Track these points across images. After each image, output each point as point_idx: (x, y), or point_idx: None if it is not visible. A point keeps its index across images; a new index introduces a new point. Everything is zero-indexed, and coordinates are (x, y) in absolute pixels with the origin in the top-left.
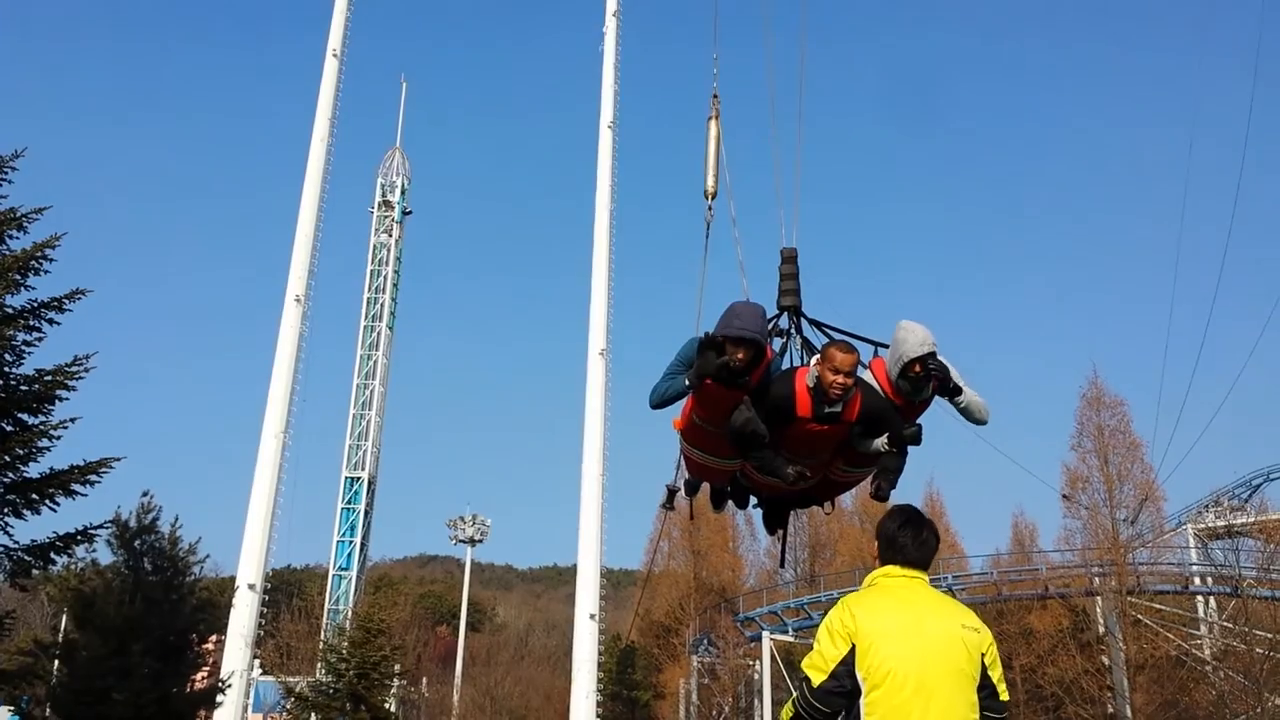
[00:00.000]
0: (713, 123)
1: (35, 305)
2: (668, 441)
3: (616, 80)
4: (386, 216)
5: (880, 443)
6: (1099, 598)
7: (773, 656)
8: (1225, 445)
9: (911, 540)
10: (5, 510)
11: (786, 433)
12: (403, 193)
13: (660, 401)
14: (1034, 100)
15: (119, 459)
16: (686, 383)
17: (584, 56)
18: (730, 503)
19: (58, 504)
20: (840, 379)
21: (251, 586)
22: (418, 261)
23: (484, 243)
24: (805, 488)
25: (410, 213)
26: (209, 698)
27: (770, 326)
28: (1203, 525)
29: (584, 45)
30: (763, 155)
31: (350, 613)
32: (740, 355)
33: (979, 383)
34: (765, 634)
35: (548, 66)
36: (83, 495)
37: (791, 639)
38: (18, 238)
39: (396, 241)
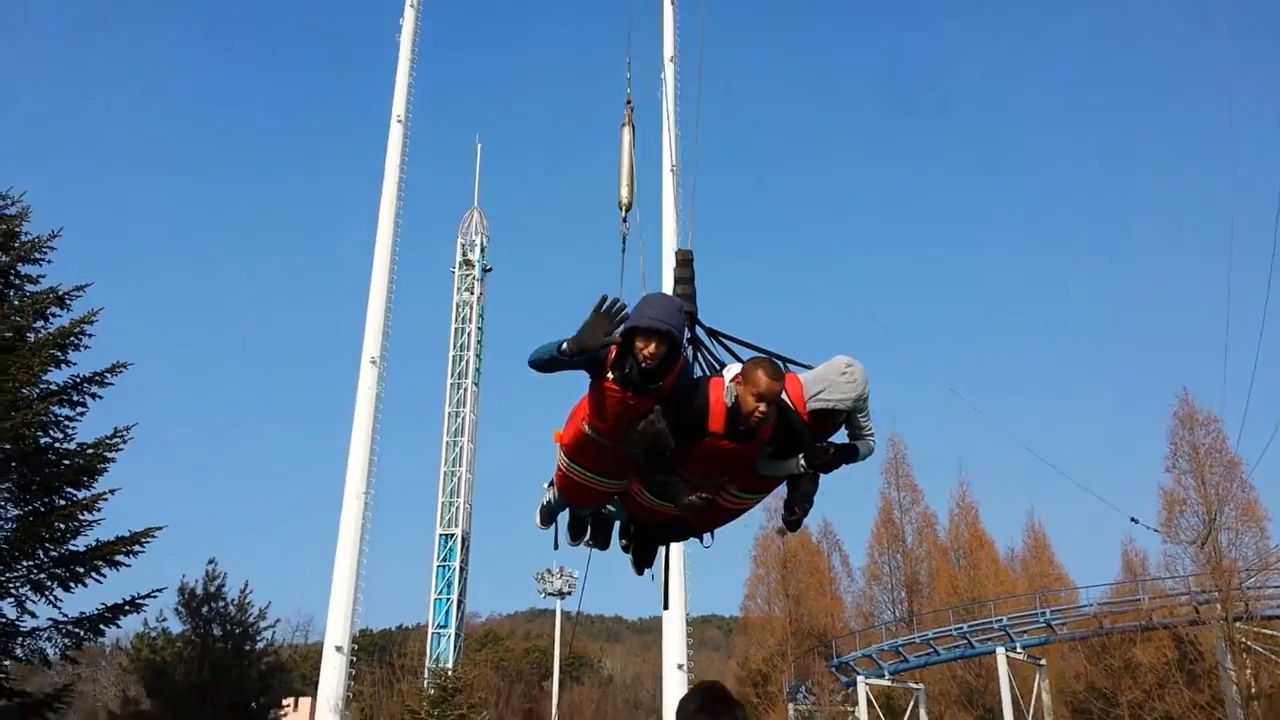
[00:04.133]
0: (626, 129)
1: (77, 380)
2: None
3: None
4: (468, 274)
5: (796, 464)
6: (1206, 625)
7: (870, 702)
8: None
9: None
10: (52, 584)
11: (689, 449)
12: (482, 250)
13: (538, 360)
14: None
15: (161, 528)
16: (563, 347)
17: (642, 101)
18: (597, 539)
19: (103, 575)
20: (763, 407)
21: (339, 649)
22: (500, 317)
23: (563, 294)
24: (691, 517)
25: (490, 269)
26: None
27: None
28: None
29: (640, 90)
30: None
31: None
32: (651, 350)
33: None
34: (860, 679)
35: (610, 113)
36: (126, 566)
37: (888, 683)
38: (60, 315)
39: (478, 299)
